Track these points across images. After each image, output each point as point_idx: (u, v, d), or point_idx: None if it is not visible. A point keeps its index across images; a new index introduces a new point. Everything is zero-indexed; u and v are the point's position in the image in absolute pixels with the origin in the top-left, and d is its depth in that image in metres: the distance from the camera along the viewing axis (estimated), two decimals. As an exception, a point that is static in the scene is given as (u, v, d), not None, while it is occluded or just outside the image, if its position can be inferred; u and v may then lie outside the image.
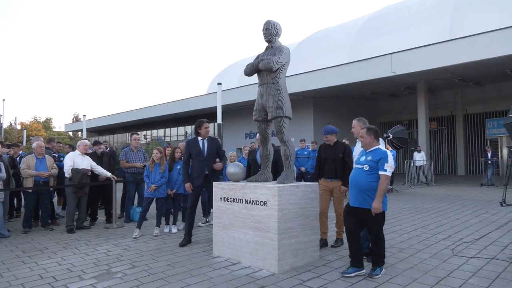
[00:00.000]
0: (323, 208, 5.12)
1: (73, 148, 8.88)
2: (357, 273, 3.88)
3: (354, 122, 4.73)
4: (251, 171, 6.06)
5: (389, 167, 3.79)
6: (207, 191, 5.76)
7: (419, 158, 14.76)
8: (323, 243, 5.10)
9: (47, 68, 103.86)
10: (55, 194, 8.34)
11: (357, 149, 4.52)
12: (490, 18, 14.69)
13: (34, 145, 6.93)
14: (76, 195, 6.62)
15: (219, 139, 6.48)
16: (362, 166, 3.93)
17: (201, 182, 5.46)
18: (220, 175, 6.47)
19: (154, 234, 6.06)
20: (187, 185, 5.48)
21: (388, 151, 3.86)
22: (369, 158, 3.90)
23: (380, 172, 3.80)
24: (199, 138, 5.60)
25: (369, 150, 3.97)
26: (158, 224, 6.31)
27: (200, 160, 5.48)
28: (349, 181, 4.07)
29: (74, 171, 6.56)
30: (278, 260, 4.07)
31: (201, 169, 5.46)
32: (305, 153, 10.03)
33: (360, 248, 4.03)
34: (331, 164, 5.13)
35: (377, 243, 3.93)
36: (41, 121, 57.87)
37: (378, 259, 3.93)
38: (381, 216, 3.88)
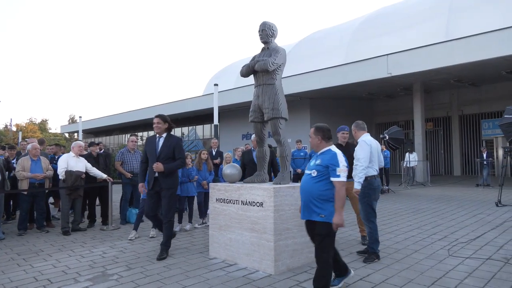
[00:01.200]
0: None
1: (60, 147, 8.84)
2: (344, 280, 3.63)
3: (352, 127, 4.94)
4: (246, 172, 6.02)
5: (342, 172, 3.20)
6: (166, 196, 4.94)
7: (412, 159, 14.72)
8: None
9: (42, 70, 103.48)
10: (52, 196, 8.30)
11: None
12: (485, 20, 14.78)
13: (29, 146, 6.90)
14: (70, 197, 6.59)
15: (180, 139, 6.13)
16: (310, 172, 3.37)
17: (152, 185, 4.90)
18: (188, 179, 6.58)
19: (150, 236, 6.04)
20: (140, 186, 5.09)
21: (339, 152, 3.32)
22: (317, 162, 3.34)
23: (332, 179, 3.22)
24: (157, 136, 5.02)
25: (320, 152, 3.43)
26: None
27: (151, 160, 4.90)
28: (299, 189, 3.55)
29: (68, 173, 6.52)
30: (275, 261, 4.07)
31: (152, 171, 4.89)
32: (302, 154, 10.04)
33: (338, 259, 3.58)
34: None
35: (321, 271, 3.20)
36: (36, 123, 57.56)
37: None
38: (329, 234, 3.20)
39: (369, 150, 4.58)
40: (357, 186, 4.52)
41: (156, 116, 4.95)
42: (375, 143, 4.73)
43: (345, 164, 3.27)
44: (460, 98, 20.02)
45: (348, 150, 5.19)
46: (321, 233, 3.21)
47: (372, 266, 4.29)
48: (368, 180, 4.59)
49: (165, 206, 4.86)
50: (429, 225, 6.65)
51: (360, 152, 4.60)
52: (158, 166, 4.76)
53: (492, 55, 12.03)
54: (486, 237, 5.58)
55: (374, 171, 4.63)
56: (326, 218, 3.20)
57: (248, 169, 6.21)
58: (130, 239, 5.89)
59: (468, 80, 16.90)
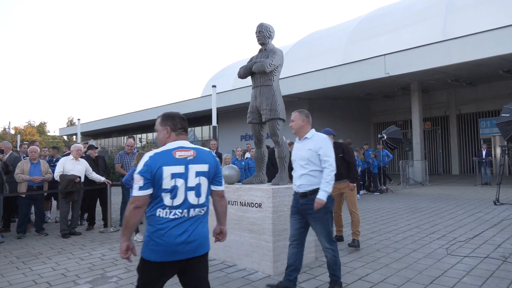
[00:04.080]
0: (336, 209, 5.22)
1: (57, 149, 8.85)
2: None
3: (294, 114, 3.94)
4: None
5: (136, 182, 2.20)
6: None
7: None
8: (338, 239, 5.28)
9: (41, 72, 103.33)
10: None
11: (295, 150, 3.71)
12: (482, 19, 14.84)
13: (28, 149, 6.92)
14: (66, 201, 6.58)
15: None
16: None
17: None
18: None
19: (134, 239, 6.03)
20: None
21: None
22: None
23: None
24: None
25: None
26: None
27: None
28: None
29: (61, 177, 6.48)
30: (274, 262, 4.08)
31: None
32: None
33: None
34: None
35: None
36: (35, 126, 57.45)
37: None
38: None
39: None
40: (323, 196, 3.30)
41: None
42: None
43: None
44: (457, 97, 20.09)
45: (335, 150, 4.99)
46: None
47: (371, 266, 4.31)
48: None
49: None
50: (428, 224, 6.67)
51: (328, 152, 3.46)
52: None
53: (488, 54, 12.08)
54: (484, 236, 5.61)
55: None
56: None
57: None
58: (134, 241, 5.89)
59: (465, 80, 16.97)
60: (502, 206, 8.41)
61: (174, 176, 2.14)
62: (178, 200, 2.15)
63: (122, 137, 33.65)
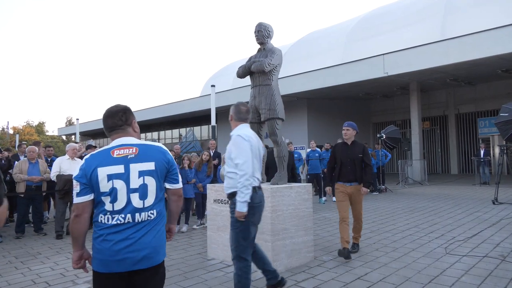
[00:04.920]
0: (344, 216, 4.62)
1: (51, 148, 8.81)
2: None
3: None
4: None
5: (73, 187, 1.99)
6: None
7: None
8: (346, 255, 4.42)
9: (39, 72, 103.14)
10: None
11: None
12: (481, 19, 14.86)
13: (26, 149, 6.90)
14: (63, 201, 6.54)
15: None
16: None
17: None
18: None
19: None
20: None
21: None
22: None
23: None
24: None
25: None
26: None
27: None
28: None
29: (58, 177, 6.44)
30: (272, 261, 4.06)
31: None
32: (295, 156, 10.09)
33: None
34: (350, 165, 4.69)
35: None
36: (34, 125, 57.30)
37: None
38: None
39: (249, 150, 3.06)
40: (242, 208, 2.95)
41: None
42: (255, 138, 3.26)
43: None
44: (456, 97, 20.11)
45: (355, 148, 4.74)
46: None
47: (370, 265, 4.31)
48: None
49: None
50: (426, 223, 6.68)
51: (237, 154, 3.04)
52: None
53: (487, 54, 12.09)
54: (482, 235, 5.62)
55: (256, 181, 3.12)
56: None
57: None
58: None
59: (464, 79, 16.98)
60: (501, 206, 8.43)
61: (111, 177, 1.91)
62: (120, 204, 1.91)
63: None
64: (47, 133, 58.15)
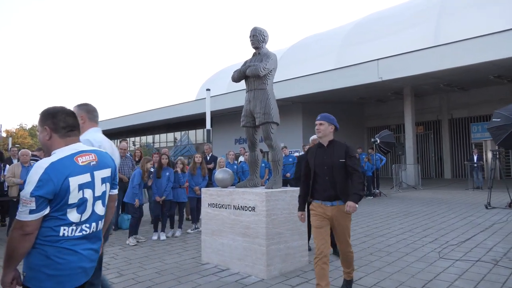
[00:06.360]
0: (323, 249, 3.14)
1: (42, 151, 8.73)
2: None
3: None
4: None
5: (24, 204, 1.65)
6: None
7: None
8: None
9: (33, 74, 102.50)
10: None
11: None
12: (474, 25, 15.05)
13: (19, 153, 6.85)
14: None
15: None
16: None
17: None
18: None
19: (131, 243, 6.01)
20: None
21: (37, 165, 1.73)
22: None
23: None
24: None
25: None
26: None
27: None
28: None
29: None
30: (267, 266, 4.07)
31: None
32: (290, 160, 10.06)
33: None
34: (328, 175, 3.23)
35: None
36: (27, 128, 56.84)
37: None
38: None
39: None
40: None
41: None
42: (108, 144, 2.78)
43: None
44: (449, 102, 20.31)
45: (334, 150, 3.30)
46: None
47: (364, 269, 4.31)
48: None
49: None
50: (420, 227, 6.71)
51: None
52: None
53: (480, 60, 12.26)
54: (475, 239, 5.65)
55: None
56: None
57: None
58: (138, 241, 6.08)
59: (457, 85, 17.18)
60: (493, 210, 8.49)
61: (81, 187, 1.78)
62: (86, 214, 1.82)
63: (115, 140, 33.46)
64: (40, 136, 57.55)
